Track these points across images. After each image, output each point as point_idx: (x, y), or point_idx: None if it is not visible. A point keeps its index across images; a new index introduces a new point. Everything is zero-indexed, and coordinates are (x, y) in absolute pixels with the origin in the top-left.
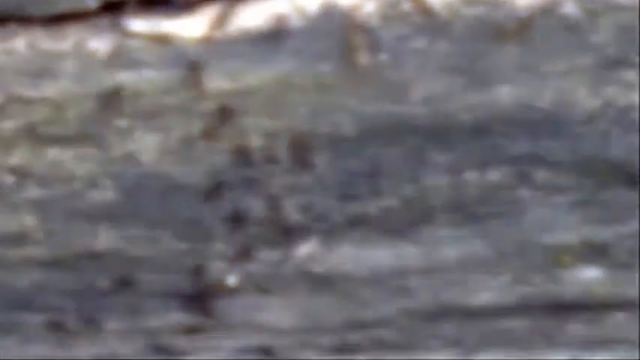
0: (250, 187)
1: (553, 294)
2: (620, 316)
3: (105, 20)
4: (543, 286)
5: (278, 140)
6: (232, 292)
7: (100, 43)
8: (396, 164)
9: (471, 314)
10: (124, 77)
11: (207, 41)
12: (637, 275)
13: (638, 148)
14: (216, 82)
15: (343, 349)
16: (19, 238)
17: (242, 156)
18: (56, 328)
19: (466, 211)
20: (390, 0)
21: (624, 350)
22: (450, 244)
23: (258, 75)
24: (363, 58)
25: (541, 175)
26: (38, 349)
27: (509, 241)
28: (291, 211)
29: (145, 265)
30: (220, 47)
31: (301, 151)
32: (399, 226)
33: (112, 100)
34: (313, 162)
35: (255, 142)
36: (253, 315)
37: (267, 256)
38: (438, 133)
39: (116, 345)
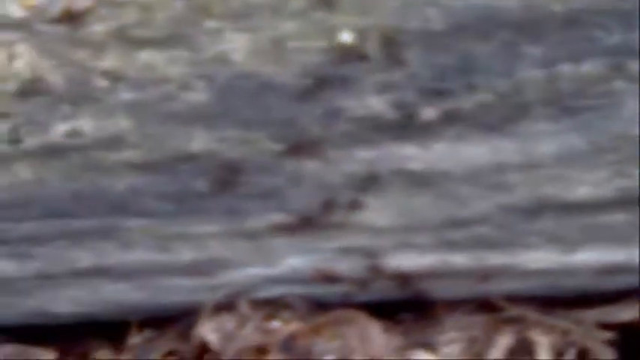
0: (343, 85)
1: None
2: None
3: None
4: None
5: (368, 37)
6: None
7: None
8: (489, 58)
9: (570, 209)
10: None
11: None
12: None
13: None
14: None
15: (442, 247)
16: (116, 142)
17: (334, 54)
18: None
19: (562, 105)
20: None
21: None
22: (546, 139)
23: None
24: None
25: (635, 66)
26: (138, 253)
27: (605, 134)
28: (385, 109)
29: (242, 167)
30: None
31: (392, 47)
32: (495, 121)
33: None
34: (404, 58)
35: (346, 39)
36: (352, 215)
37: (363, 155)
38: (530, 25)
39: (216, 247)
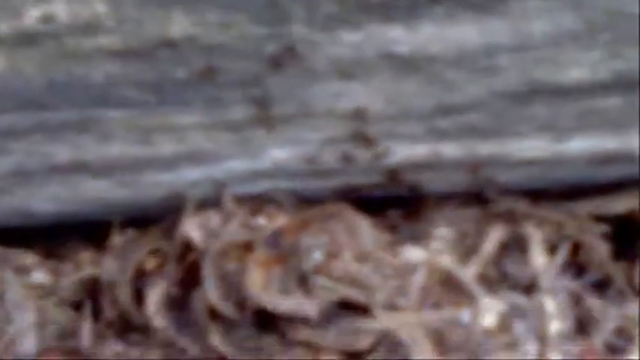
0: None
1: None
2: None
3: None
4: (637, 60)
5: None
6: (316, 75)
7: None
8: None
9: (563, 93)
10: None
11: None
12: None
13: None
14: None
15: (433, 136)
16: (91, 27)
17: None
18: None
19: None
20: None
21: None
22: (539, 17)
23: None
24: None
25: None
26: (117, 146)
27: (600, 11)
28: None
29: (223, 53)
30: None
31: None
32: None
33: None
34: None
35: None
36: (338, 102)
37: (348, 37)
38: None
39: (197, 139)
